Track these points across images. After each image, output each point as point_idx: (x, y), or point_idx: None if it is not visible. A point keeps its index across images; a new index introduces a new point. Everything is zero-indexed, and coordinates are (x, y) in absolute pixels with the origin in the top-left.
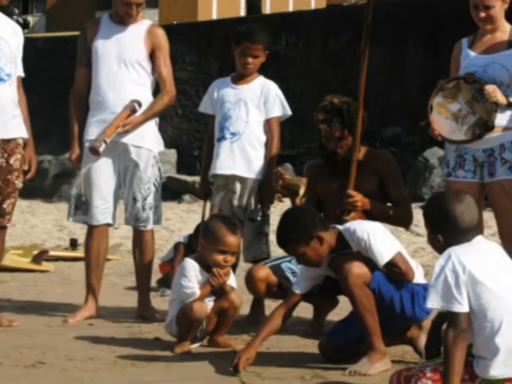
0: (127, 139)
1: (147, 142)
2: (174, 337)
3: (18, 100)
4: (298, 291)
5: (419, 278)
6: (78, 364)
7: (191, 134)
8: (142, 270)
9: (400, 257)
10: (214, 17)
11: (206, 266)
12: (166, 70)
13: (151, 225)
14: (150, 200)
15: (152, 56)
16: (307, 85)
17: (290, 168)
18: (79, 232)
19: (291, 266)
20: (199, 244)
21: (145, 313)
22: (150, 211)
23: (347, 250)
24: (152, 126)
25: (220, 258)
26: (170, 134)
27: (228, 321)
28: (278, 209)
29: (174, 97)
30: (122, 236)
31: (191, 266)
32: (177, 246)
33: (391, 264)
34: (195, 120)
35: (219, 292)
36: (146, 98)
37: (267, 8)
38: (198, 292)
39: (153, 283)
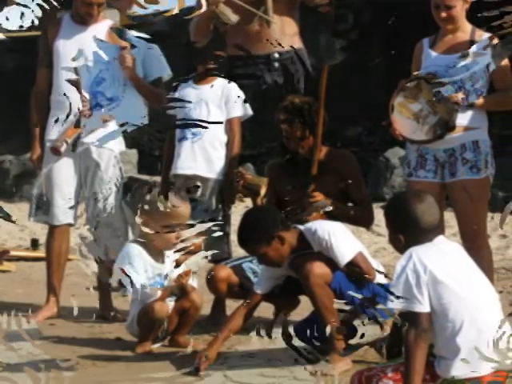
0: (88, 139)
1: (108, 141)
2: (136, 337)
3: None
4: (259, 291)
5: (380, 278)
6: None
7: (152, 133)
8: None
9: (361, 257)
10: None
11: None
12: None
13: None
14: (111, 200)
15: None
16: None
17: (251, 168)
18: (40, 232)
19: (252, 266)
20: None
21: (106, 313)
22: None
23: (308, 250)
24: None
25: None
26: (131, 133)
27: (189, 321)
28: (239, 209)
29: None
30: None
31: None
32: None
33: (352, 264)
34: (156, 120)
35: (180, 292)
36: None
37: None
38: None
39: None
